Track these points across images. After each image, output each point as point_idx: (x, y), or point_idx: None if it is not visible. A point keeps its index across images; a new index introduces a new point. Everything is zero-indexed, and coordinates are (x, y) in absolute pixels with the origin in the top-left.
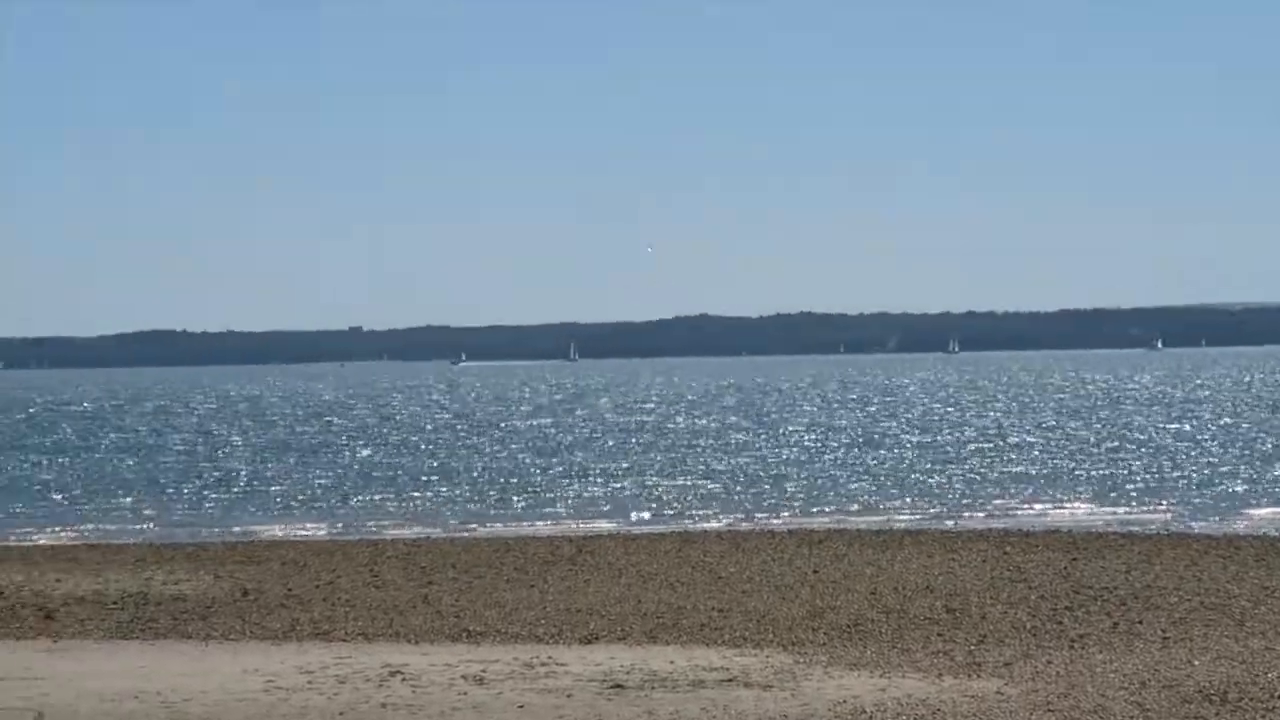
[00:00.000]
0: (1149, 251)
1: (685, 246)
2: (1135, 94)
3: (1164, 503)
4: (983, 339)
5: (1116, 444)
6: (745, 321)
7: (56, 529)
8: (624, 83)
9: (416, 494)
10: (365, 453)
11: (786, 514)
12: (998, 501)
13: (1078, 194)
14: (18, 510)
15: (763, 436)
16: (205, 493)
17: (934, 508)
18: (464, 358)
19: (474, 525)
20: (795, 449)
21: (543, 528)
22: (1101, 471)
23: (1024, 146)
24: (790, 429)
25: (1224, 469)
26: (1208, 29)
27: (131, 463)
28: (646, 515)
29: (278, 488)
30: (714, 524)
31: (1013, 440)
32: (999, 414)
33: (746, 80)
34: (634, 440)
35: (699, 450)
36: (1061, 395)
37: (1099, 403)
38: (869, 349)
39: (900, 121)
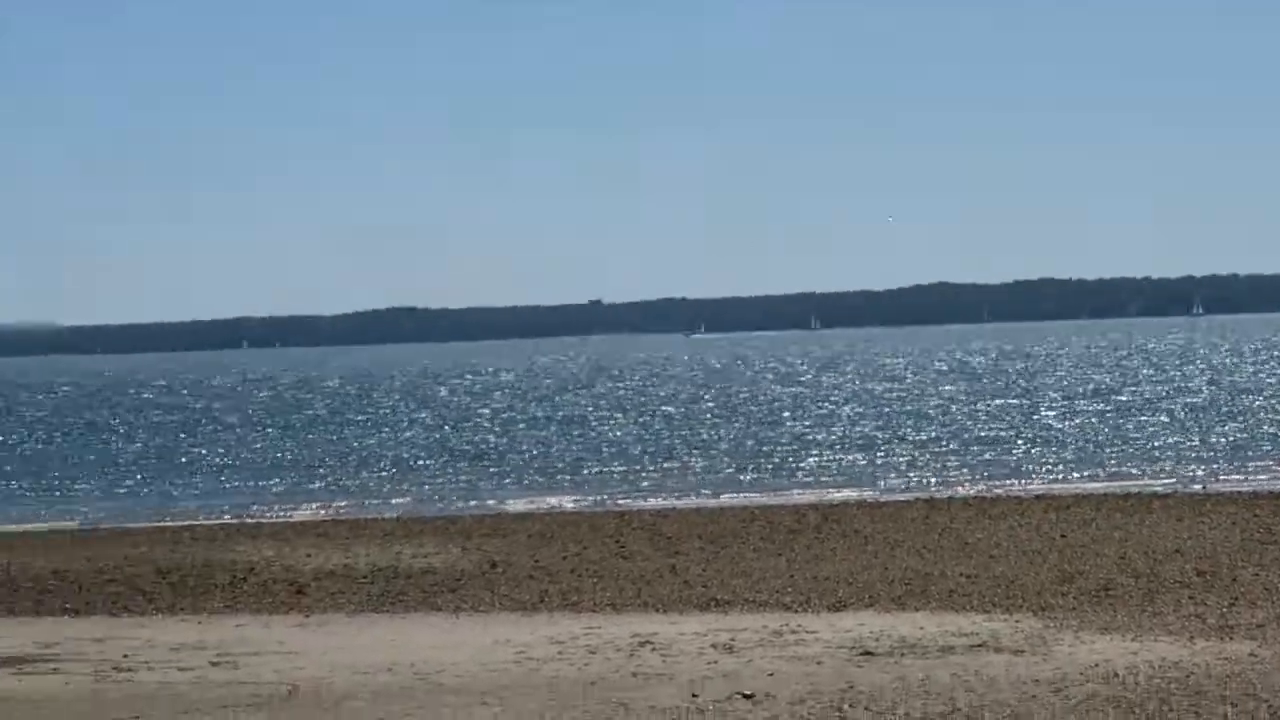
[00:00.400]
0: None
1: (922, 213)
2: None
3: None
4: (1226, 302)
5: None
6: (985, 288)
7: (309, 505)
8: (863, 50)
9: (665, 464)
10: (609, 426)
11: (1037, 481)
12: (1254, 464)
13: None
14: (269, 486)
15: (1015, 403)
16: (453, 467)
17: (1185, 471)
18: (702, 329)
19: (720, 494)
20: (1051, 414)
21: (789, 497)
22: None
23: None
24: (1047, 394)
25: None
26: None
27: (378, 439)
28: (894, 482)
29: (519, 459)
30: (961, 490)
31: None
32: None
33: (974, 44)
34: (886, 408)
35: (950, 417)
36: None
37: None
38: (1110, 314)
39: (1130, 73)
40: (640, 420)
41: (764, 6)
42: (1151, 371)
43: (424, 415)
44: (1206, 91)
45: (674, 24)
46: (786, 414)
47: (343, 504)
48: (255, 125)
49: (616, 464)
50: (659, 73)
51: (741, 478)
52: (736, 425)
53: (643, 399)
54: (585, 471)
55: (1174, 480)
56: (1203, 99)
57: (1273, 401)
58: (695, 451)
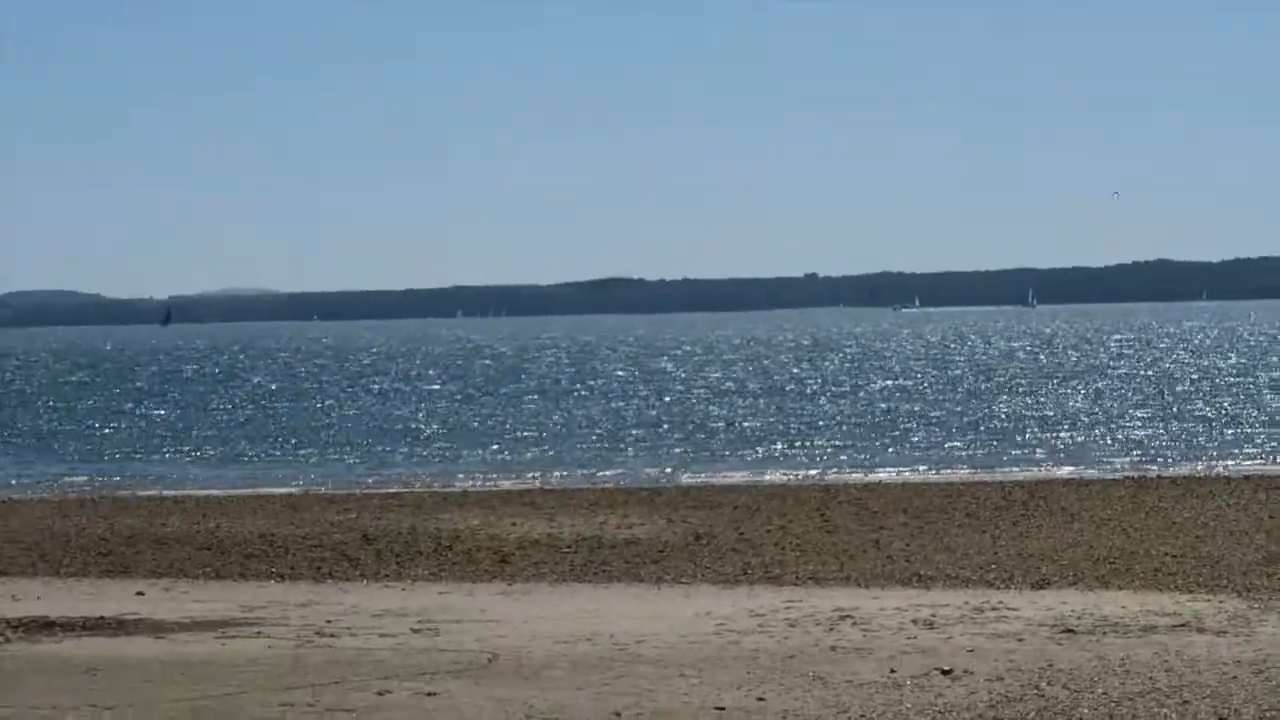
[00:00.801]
0: None
1: (1144, 187)
2: None
3: None
4: None
5: None
6: (1204, 266)
7: (517, 474)
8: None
9: (871, 438)
10: (822, 402)
11: (1246, 461)
12: None
13: None
14: (479, 454)
15: (1243, 380)
16: (666, 438)
17: None
18: (917, 302)
19: (922, 468)
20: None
21: (997, 473)
22: None
23: None
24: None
25: None
26: None
27: (600, 410)
28: (1106, 460)
29: (731, 432)
30: (1172, 469)
31: None
32: None
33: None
34: (1103, 384)
35: (1166, 395)
36: None
37: None
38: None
39: None
40: (853, 394)
41: None
42: None
43: (641, 387)
44: None
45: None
46: (1001, 392)
47: (553, 474)
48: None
49: (826, 438)
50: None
51: (954, 453)
52: (958, 398)
53: (858, 373)
54: (795, 445)
55: None
56: None
57: None
58: (906, 426)
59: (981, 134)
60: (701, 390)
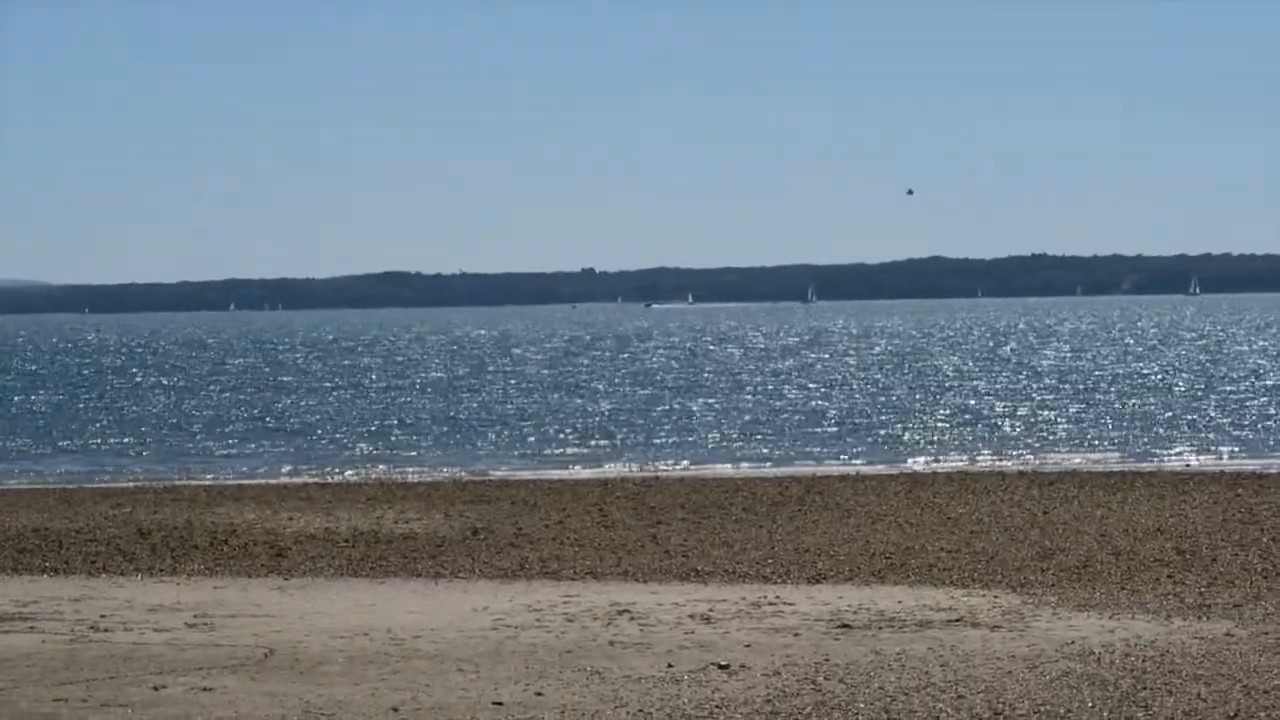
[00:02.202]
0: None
1: (925, 187)
2: None
3: None
4: (1220, 281)
5: None
6: (979, 263)
7: (293, 468)
8: (880, 34)
9: (650, 434)
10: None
11: (1014, 456)
12: (1237, 444)
13: None
14: (249, 449)
15: (1004, 376)
16: (443, 432)
17: (1169, 449)
18: (690, 299)
19: (702, 466)
20: (1044, 392)
21: (774, 469)
22: None
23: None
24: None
25: None
26: None
27: (366, 401)
28: (875, 456)
29: (510, 426)
30: (945, 465)
31: (1269, 383)
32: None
33: (977, 33)
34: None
35: (930, 389)
36: None
37: None
38: (1105, 290)
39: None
40: (629, 389)
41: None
42: (1141, 349)
43: (414, 381)
44: (1200, 74)
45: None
46: (788, 388)
47: (328, 468)
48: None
49: (602, 433)
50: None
51: (732, 448)
52: (722, 396)
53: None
54: (572, 439)
55: (1158, 459)
56: (1197, 81)
57: (1260, 382)
58: (686, 421)
59: (763, 130)
60: (476, 383)
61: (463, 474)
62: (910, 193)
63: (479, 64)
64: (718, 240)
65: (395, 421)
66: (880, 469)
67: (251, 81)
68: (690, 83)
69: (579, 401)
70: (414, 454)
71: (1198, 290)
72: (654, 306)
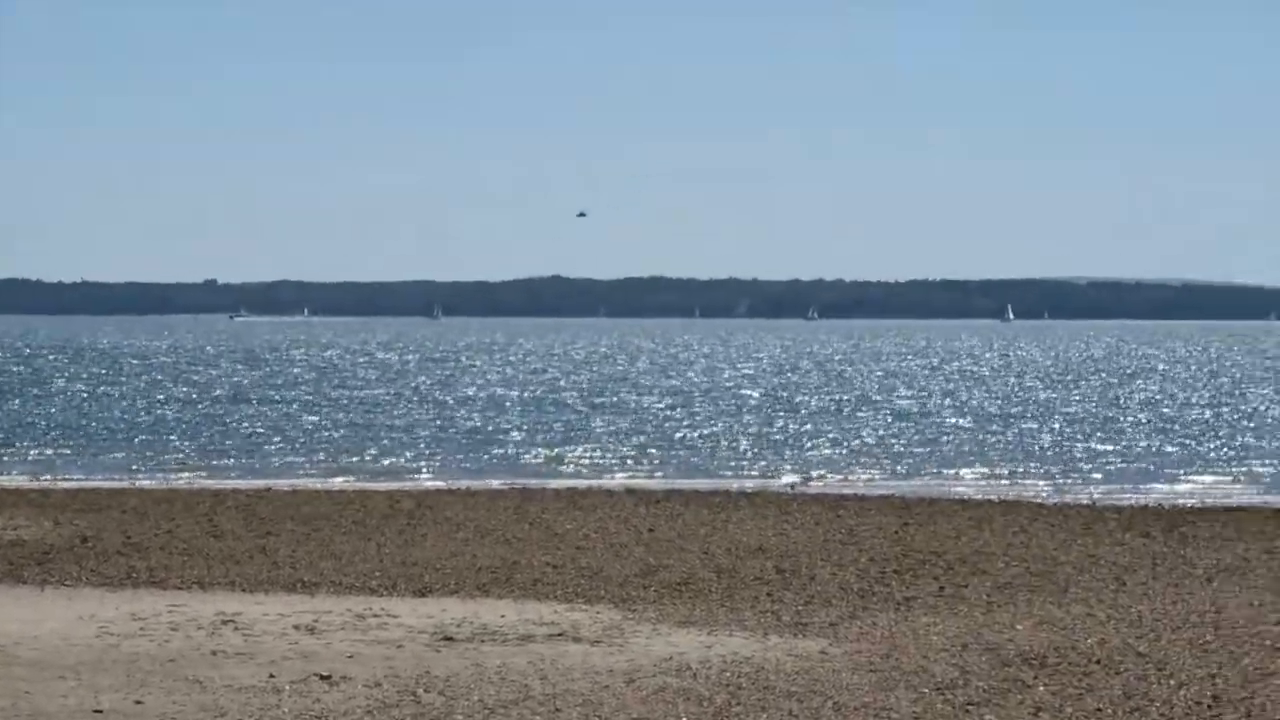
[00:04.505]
0: (997, 226)
1: (540, 207)
2: (967, 65)
3: (1002, 469)
4: (834, 307)
5: (955, 412)
6: (599, 284)
7: None
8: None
9: (265, 447)
10: (165, 408)
11: (621, 474)
12: (844, 466)
13: (923, 169)
14: None
15: (629, 395)
16: (59, 440)
17: (776, 470)
18: (305, 311)
19: (318, 478)
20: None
21: (387, 483)
22: (970, 438)
23: (872, 118)
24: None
25: (1064, 438)
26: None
27: None
28: (488, 472)
29: (126, 435)
30: (554, 482)
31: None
32: (864, 380)
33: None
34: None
35: (553, 410)
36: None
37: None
38: (721, 313)
39: (762, 90)
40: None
41: None
42: (751, 370)
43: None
44: (811, 100)
45: None
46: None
47: None
48: None
49: (214, 445)
50: None
51: (345, 463)
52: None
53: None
54: (186, 449)
55: (764, 479)
56: (807, 107)
57: (871, 411)
58: (301, 434)
59: (389, 148)
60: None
61: (84, 481)
62: (582, 215)
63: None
64: (342, 256)
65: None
66: (490, 484)
67: None
68: (313, 92)
69: (199, 411)
70: (34, 461)
71: (816, 316)
72: (237, 319)
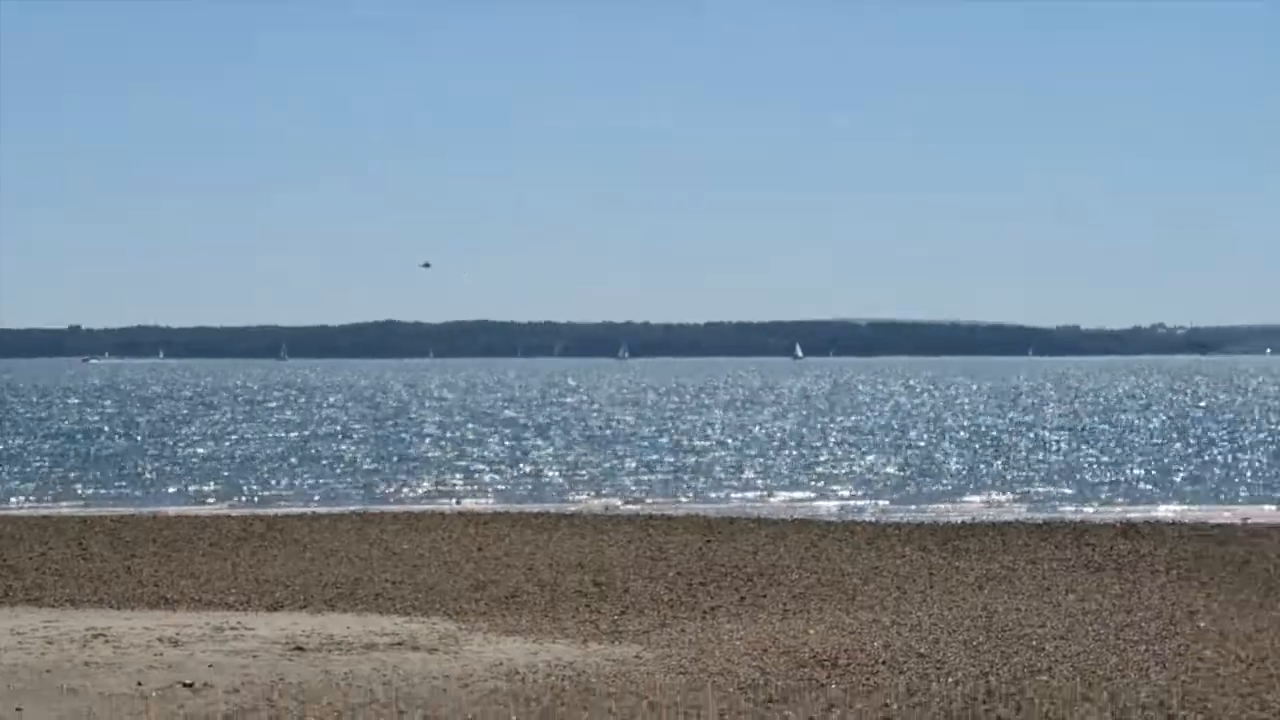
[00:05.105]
0: (786, 272)
1: (377, 253)
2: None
3: (797, 490)
4: (644, 347)
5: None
6: (430, 327)
7: None
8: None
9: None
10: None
11: (453, 499)
12: (661, 490)
13: (709, 207)
14: None
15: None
16: None
17: (596, 494)
18: (106, 354)
19: (179, 505)
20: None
21: (237, 508)
22: (772, 460)
23: (673, 165)
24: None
25: (848, 462)
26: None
27: None
28: (335, 499)
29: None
30: (392, 506)
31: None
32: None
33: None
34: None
35: (402, 439)
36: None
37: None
38: (540, 353)
39: (569, 140)
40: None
41: None
42: (573, 402)
43: None
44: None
45: None
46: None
47: None
48: None
49: (82, 472)
50: None
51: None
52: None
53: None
54: (54, 479)
55: (582, 502)
56: (609, 171)
57: (687, 438)
58: (169, 464)
59: (236, 198)
60: None
61: None
62: (426, 265)
63: None
64: (198, 300)
65: None
66: (334, 509)
67: None
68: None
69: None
70: None
71: (627, 355)
72: (91, 362)
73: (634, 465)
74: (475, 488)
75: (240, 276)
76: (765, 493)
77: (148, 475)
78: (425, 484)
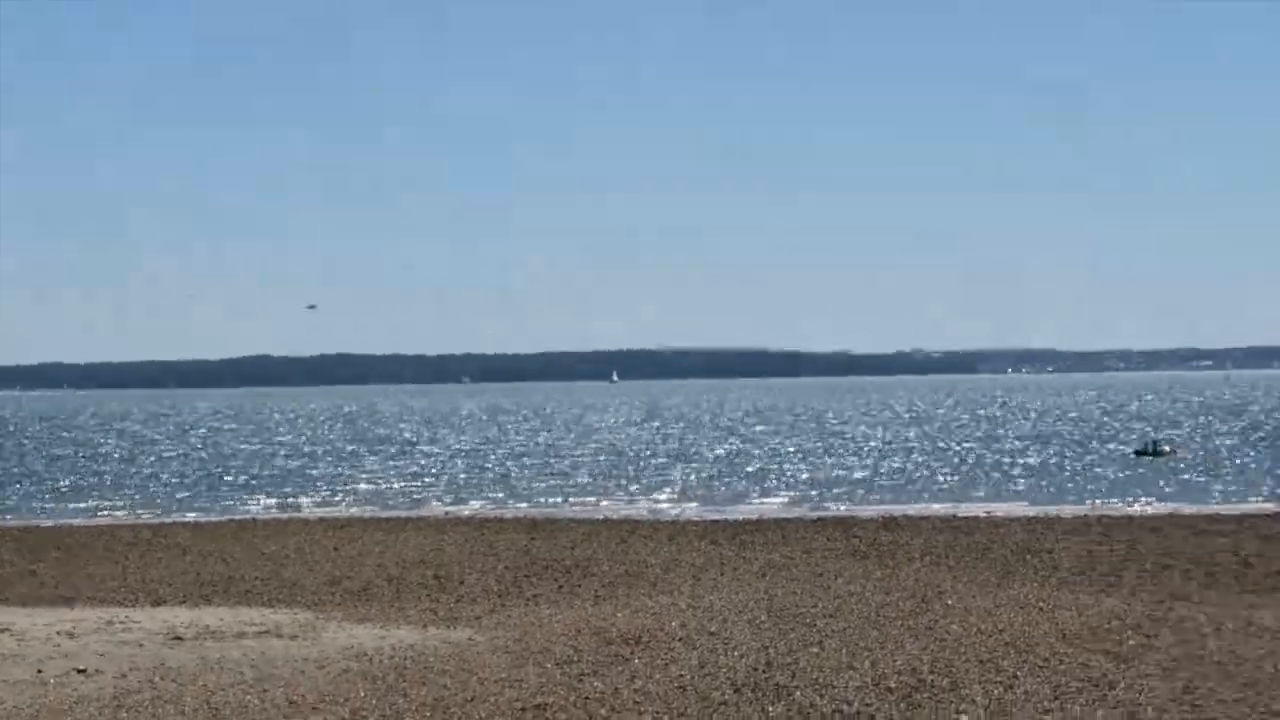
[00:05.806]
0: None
1: (251, 290)
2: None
3: (608, 495)
4: (484, 373)
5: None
6: (300, 360)
7: None
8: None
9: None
10: None
11: (312, 501)
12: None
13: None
14: None
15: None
16: None
17: (437, 498)
18: (66, 387)
19: (76, 516)
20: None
21: (128, 519)
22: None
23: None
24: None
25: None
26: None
27: None
28: (213, 509)
29: None
30: (262, 514)
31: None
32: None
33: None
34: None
35: (265, 457)
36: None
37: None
38: (391, 380)
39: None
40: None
41: None
42: (414, 422)
43: None
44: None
45: None
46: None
47: None
48: None
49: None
50: None
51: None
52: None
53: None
54: None
55: (424, 505)
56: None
57: (504, 450)
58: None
59: (100, 226)
60: None
61: None
62: (312, 307)
63: None
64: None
65: None
66: (214, 518)
67: None
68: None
69: None
70: None
71: (469, 381)
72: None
73: (464, 472)
74: (336, 495)
75: (132, 313)
76: (584, 496)
77: (62, 488)
78: (288, 492)
